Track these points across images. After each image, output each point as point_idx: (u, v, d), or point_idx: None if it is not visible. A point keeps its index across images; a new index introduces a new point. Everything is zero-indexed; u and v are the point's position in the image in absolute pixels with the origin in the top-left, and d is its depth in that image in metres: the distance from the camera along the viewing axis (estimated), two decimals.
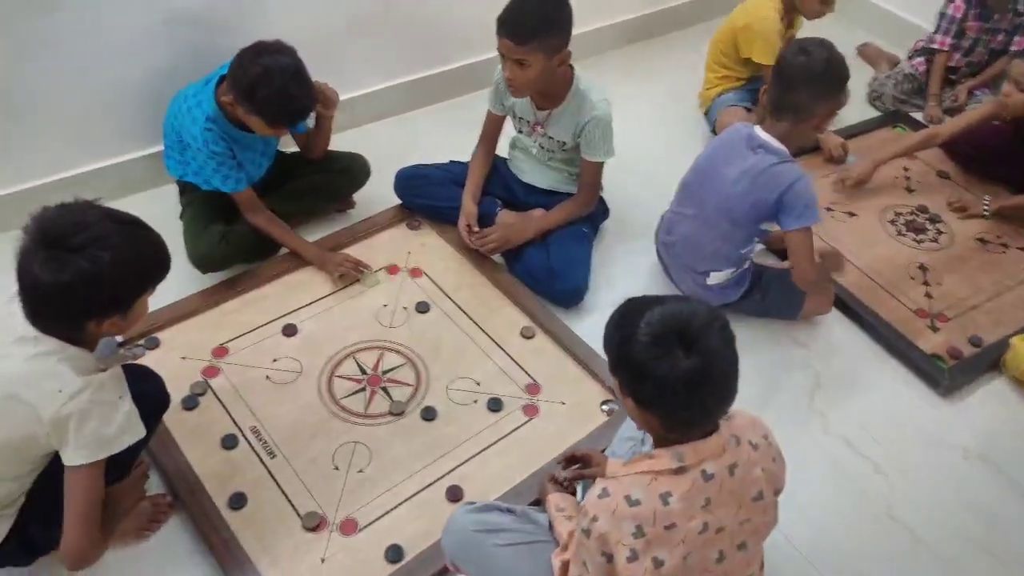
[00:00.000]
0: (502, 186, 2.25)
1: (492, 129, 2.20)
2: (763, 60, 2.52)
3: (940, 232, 2.40)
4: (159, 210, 1.98)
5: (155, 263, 1.30)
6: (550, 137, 2.09)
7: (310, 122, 2.09)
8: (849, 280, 2.19)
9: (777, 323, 2.08)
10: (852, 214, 2.44)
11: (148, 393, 1.43)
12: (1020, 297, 2.21)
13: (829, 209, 2.44)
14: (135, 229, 1.27)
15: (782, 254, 2.13)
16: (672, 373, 1.03)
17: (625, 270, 2.20)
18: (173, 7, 2.06)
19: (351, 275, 2.04)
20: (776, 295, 2.02)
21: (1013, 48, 2.79)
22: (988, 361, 2.02)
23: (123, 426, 1.27)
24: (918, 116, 2.88)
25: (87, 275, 1.17)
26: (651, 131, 2.69)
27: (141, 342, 1.83)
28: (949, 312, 2.15)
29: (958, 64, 2.89)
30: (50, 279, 1.16)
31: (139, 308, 1.30)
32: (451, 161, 2.28)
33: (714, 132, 2.61)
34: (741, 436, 1.15)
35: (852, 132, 2.76)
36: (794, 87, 1.72)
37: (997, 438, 1.88)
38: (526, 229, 2.10)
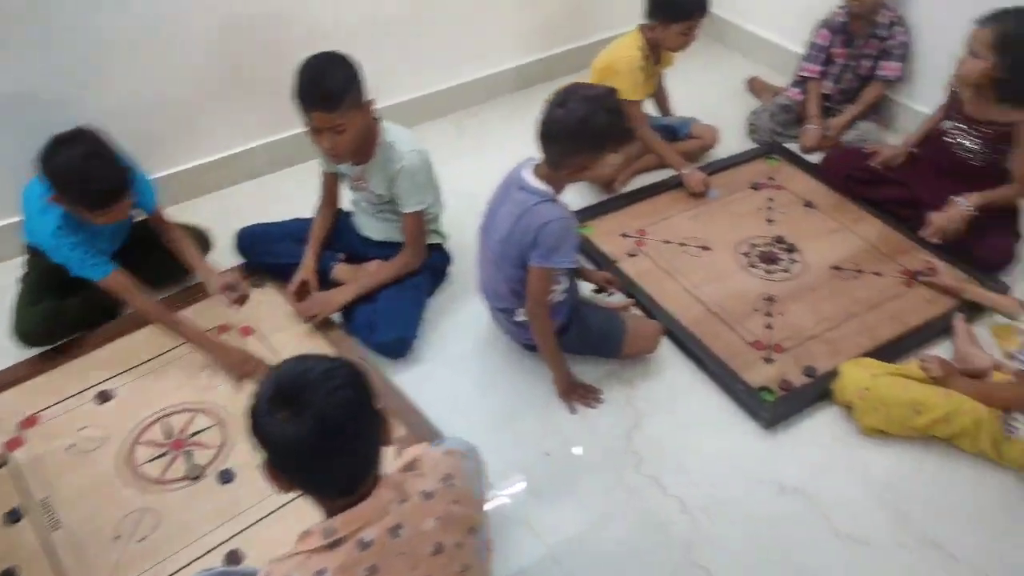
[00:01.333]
0: (346, 240, 2.28)
1: (329, 187, 2.24)
2: (627, 96, 2.53)
3: (794, 262, 2.37)
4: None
5: None
6: (371, 191, 2.11)
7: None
8: (688, 315, 2.17)
9: (604, 362, 2.05)
10: (706, 248, 2.42)
11: None
12: (865, 324, 2.16)
13: (684, 244, 2.43)
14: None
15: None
16: (281, 437, 1.01)
17: (465, 318, 2.19)
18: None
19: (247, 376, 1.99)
20: (595, 331, 2.00)
21: (879, 73, 2.79)
22: (818, 391, 1.96)
23: None
24: (795, 147, 2.87)
25: None
26: None
27: None
28: (787, 343, 2.10)
29: (831, 92, 2.89)
30: None
31: None
32: (294, 219, 2.31)
33: None
34: (410, 489, 1.13)
35: (724, 165, 2.76)
36: (549, 136, 1.72)
37: (818, 471, 1.82)
38: (332, 300, 2.11)
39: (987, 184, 2.32)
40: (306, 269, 2.15)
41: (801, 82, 2.91)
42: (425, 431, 1.81)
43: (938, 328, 2.14)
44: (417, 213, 2.08)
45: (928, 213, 2.38)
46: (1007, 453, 1.78)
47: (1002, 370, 1.92)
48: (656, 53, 2.59)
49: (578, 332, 1.99)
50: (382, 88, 2.78)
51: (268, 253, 2.24)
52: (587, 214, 2.52)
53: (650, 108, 2.83)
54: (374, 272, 2.15)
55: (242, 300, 2.16)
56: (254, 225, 2.28)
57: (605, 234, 2.47)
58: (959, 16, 2.21)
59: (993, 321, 2.15)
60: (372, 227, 2.23)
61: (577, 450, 1.87)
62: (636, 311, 2.17)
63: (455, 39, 2.90)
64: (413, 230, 2.12)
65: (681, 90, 2.88)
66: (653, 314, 2.17)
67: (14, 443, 1.83)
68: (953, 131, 2.36)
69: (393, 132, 2.04)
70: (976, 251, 2.30)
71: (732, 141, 2.90)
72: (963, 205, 2.28)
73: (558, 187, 1.79)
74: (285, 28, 2.50)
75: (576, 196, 2.57)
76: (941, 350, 2.10)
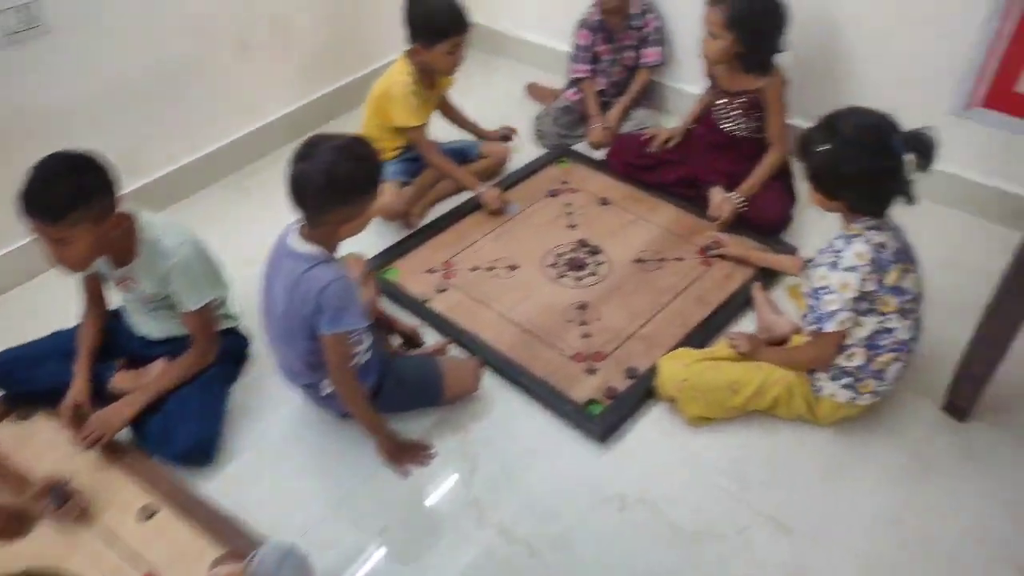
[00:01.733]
0: (123, 343, 2.04)
1: (91, 290, 2.00)
2: (405, 123, 2.47)
3: (600, 263, 2.38)
4: None
5: None
6: (142, 291, 1.90)
7: None
8: (506, 342, 2.12)
9: (431, 411, 1.96)
10: (514, 267, 2.38)
11: None
12: (675, 311, 2.20)
13: (491, 268, 2.38)
14: None
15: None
16: None
17: (276, 400, 2.01)
18: None
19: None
20: (411, 382, 1.91)
21: (642, 61, 2.87)
22: (642, 392, 1.97)
23: None
24: (584, 147, 2.90)
25: None
26: None
27: None
28: (607, 347, 2.10)
29: (605, 87, 2.94)
30: None
31: None
32: (54, 333, 2.05)
33: None
34: None
35: (518, 177, 2.74)
36: (298, 193, 1.61)
37: (656, 473, 1.82)
38: (112, 417, 1.87)
39: (755, 151, 2.46)
40: (76, 389, 1.90)
41: (575, 83, 2.96)
42: (244, 544, 1.63)
43: (741, 302, 2.21)
44: (200, 309, 1.89)
45: (709, 190, 2.47)
46: (819, 412, 1.86)
47: (802, 333, 2.00)
48: (430, 76, 2.53)
49: (394, 388, 1.89)
50: (143, 163, 2.59)
51: (30, 380, 1.95)
52: (389, 256, 2.42)
53: (453, 133, 2.78)
54: (160, 375, 1.93)
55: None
56: (6, 350, 1.99)
57: (411, 274, 2.37)
58: None
59: (788, 283, 2.25)
60: (150, 326, 2.01)
61: (418, 516, 1.76)
62: (453, 350, 2.09)
63: (215, 96, 2.71)
64: (199, 327, 1.92)
65: (465, 108, 2.83)
66: (472, 349, 2.10)
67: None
68: (718, 106, 2.47)
69: (156, 227, 1.84)
70: (751, 216, 2.41)
71: (523, 150, 2.89)
72: (734, 199, 2.40)
73: (328, 245, 1.67)
74: (17, 117, 2.22)
75: (375, 238, 2.47)
76: (748, 323, 2.17)
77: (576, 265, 2.38)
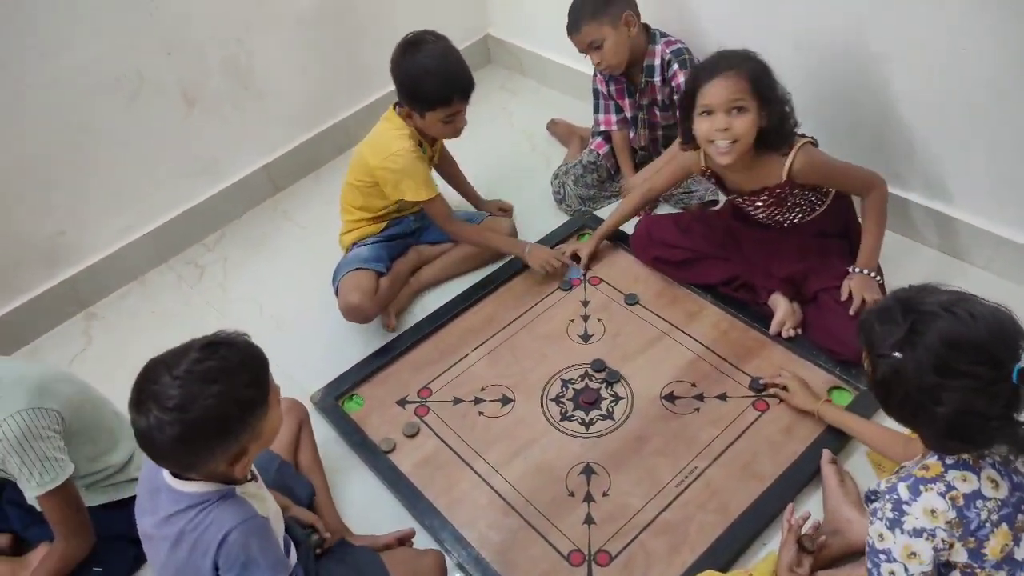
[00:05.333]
0: (6, 514, 1.66)
1: None
2: (419, 197, 1.98)
3: (617, 398, 1.83)
4: None
5: None
6: None
7: None
8: (484, 529, 1.61)
9: None
10: (508, 400, 1.86)
11: None
12: (711, 487, 1.64)
13: (478, 400, 1.86)
14: None
15: None
16: None
17: None
18: None
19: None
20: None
21: None
22: None
23: None
24: (604, 213, 2.30)
25: None
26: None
27: None
28: (613, 543, 1.57)
29: (635, 141, 2.33)
30: None
31: None
32: None
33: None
34: None
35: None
36: (156, 456, 1.14)
37: None
38: None
39: (823, 229, 1.86)
40: None
41: (601, 134, 2.36)
42: None
43: (804, 478, 1.63)
44: (48, 495, 1.45)
45: (770, 297, 1.88)
46: None
47: None
48: (427, 136, 2.01)
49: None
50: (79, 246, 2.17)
51: None
52: (353, 378, 1.93)
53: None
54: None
55: None
56: None
57: (377, 406, 1.89)
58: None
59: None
60: (28, 496, 1.59)
61: None
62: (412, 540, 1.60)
63: (162, 159, 2.25)
64: (53, 515, 1.48)
65: (469, 152, 2.29)
66: (437, 534, 1.61)
67: None
68: (741, 203, 1.88)
69: None
70: (816, 336, 1.82)
71: (539, 214, 2.33)
72: (862, 274, 1.77)
73: (219, 477, 1.19)
74: None
75: (340, 344, 1.99)
76: (811, 504, 1.60)
77: (587, 401, 1.83)
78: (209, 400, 1.08)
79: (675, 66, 2.10)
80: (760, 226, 1.91)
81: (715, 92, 1.63)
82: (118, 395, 1.64)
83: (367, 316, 2.01)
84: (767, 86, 1.64)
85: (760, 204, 1.82)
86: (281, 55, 2.36)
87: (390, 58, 1.90)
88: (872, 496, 1.19)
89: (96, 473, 1.56)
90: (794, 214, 1.84)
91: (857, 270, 1.78)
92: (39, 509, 1.49)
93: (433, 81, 1.84)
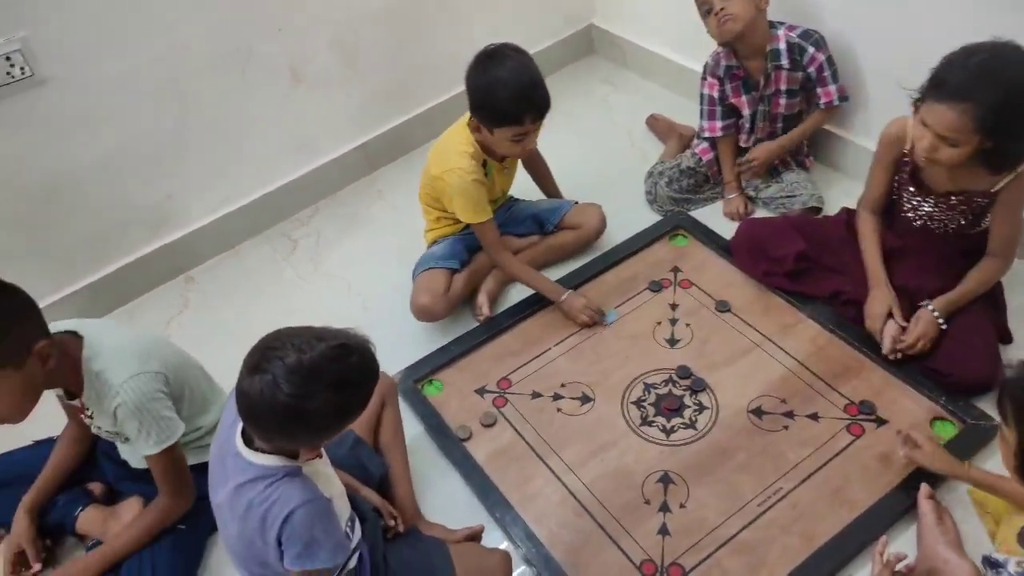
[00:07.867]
0: (102, 466, 1.72)
1: (69, 408, 1.66)
2: (468, 219, 1.95)
3: (702, 408, 1.77)
4: None
5: None
6: (98, 427, 1.54)
7: None
8: (555, 527, 1.59)
9: None
10: (587, 398, 1.83)
11: None
12: (795, 510, 1.56)
13: (557, 396, 1.83)
14: None
15: None
16: None
17: None
18: None
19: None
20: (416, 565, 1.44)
21: (823, 101, 2.10)
22: None
23: None
24: (705, 214, 2.24)
25: None
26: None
27: None
28: (688, 557, 1.52)
29: (747, 145, 2.24)
30: None
31: None
32: (35, 443, 1.75)
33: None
34: None
35: (617, 257, 2.13)
36: (248, 415, 1.14)
37: None
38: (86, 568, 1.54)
39: (955, 253, 1.74)
40: (17, 534, 1.59)
41: (708, 139, 2.27)
42: None
43: (898, 509, 1.53)
44: (160, 454, 1.50)
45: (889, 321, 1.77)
46: None
47: None
48: (493, 153, 1.96)
49: None
50: (176, 216, 2.24)
51: None
52: (434, 362, 1.93)
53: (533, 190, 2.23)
54: (121, 532, 1.57)
55: None
56: None
57: (456, 393, 1.88)
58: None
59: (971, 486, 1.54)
60: (128, 454, 1.66)
61: None
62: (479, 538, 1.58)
63: (261, 135, 2.30)
64: (161, 472, 1.54)
65: (567, 143, 2.24)
66: (507, 527, 1.59)
67: None
68: (905, 198, 1.76)
69: (102, 355, 1.45)
70: (939, 365, 1.69)
71: (632, 211, 2.27)
72: (929, 311, 1.69)
73: (289, 452, 1.21)
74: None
75: (418, 332, 1.99)
76: (905, 538, 1.51)
77: (670, 407, 1.78)
78: (327, 406, 1.10)
79: (810, 49, 2.00)
80: (895, 234, 1.80)
81: (933, 117, 1.49)
82: (208, 358, 1.71)
83: (436, 316, 2.00)
84: (1005, 120, 1.44)
85: (943, 205, 1.70)
86: (385, 36, 2.37)
87: (468, 67, 1.83)
88: (993, 564, 1.10)
89: (189, 434, 1.61)
90: (961, 221, 1.72)
91: (931, 308, 1.68)
92: (140, 468, 1.56)
93: (506, 97, 1.76)
